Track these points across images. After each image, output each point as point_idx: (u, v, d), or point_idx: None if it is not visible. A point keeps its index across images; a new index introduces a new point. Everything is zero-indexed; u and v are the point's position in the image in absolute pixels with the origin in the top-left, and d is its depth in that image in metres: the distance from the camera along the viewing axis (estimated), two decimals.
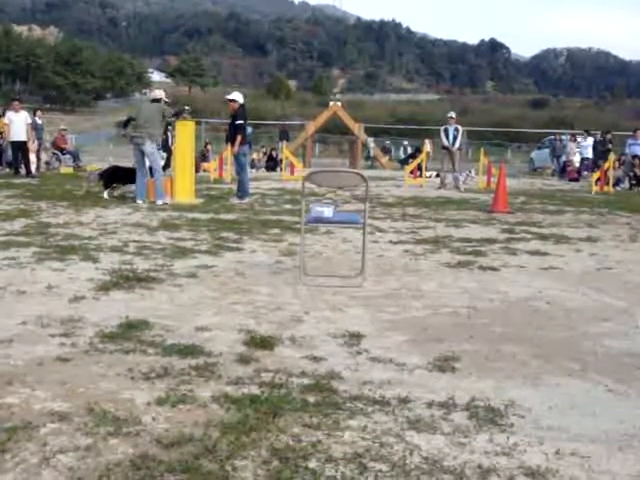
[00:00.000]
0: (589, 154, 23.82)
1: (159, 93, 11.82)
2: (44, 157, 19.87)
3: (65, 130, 23.08)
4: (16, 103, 17.63)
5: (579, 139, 25.30)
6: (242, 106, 12.55)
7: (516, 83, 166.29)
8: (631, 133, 21.28)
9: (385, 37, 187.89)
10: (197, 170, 15.99)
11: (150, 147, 11.23)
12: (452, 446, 2.52)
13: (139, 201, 11.15)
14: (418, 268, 6.22)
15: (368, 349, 3.68)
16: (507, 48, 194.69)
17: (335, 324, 4.18)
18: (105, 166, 11.94)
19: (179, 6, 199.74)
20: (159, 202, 11.12)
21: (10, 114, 17.07)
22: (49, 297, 4.67)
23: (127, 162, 16.87)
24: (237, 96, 12.67)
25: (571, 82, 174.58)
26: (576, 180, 22.92)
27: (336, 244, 7.53)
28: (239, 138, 12.19)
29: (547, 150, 28.29)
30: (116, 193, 11.55)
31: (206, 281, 5.36)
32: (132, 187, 11.54)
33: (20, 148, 17.00)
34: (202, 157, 22.63)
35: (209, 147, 25.14)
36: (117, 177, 11.97)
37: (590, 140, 24.32)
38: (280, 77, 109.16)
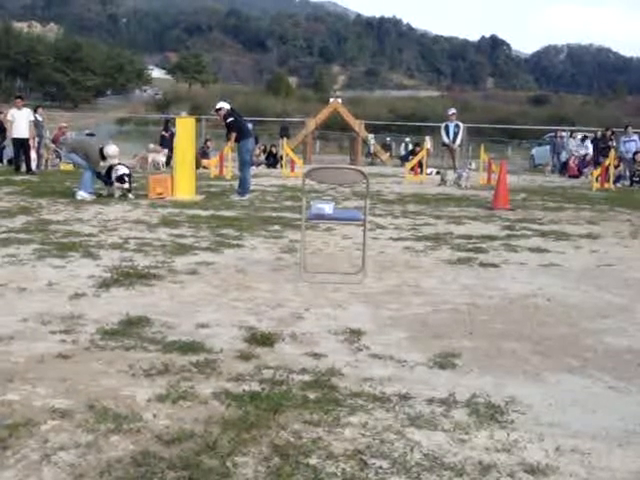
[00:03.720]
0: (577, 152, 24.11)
1: (111, 153, 11.51)
2: (45, 154, 19.86)
3: (66, 127, 23.05)
4: (19, 100, 17.78)
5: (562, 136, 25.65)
6: (230, 109, 12.82)
7: (517, 80, 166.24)
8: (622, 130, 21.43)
9: (385, 33, 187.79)
10: (197, 167, 15.99)
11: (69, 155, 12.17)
12: (452, 442, 2.52)
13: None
14: (419, 265, 6.22)
15: (368, 346, 3.69)
16: (508, 45, 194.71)
17: (336, 321, 4.18)
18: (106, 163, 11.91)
19: (179, 2, 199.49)
20: (79, 193, 11.14)
21: (13, 111, 17.21)
22: (50, 294, 4.67)
23: (126, 159, 16.89)
24: (222, 104, 13.00)
25: (572, 79, 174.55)
26: (576, 177, 22.91)
27: (336, 241, 7.53)
28: (233, 135, 12.53)
29: (548, 147, 28.26)
30: (117, 194, 11.52)
31: (206, 278, 5.36)
32: (125, 185, 11.55)
33: (22, 145, 17.09)
34: (202, 154, 22.64)
35: (209, 144, 25.12)
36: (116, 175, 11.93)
37: (579, 135, 24.53)
38: (280, 74, 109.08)
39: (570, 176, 23.40)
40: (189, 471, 2.21)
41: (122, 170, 11.55)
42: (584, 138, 25.14)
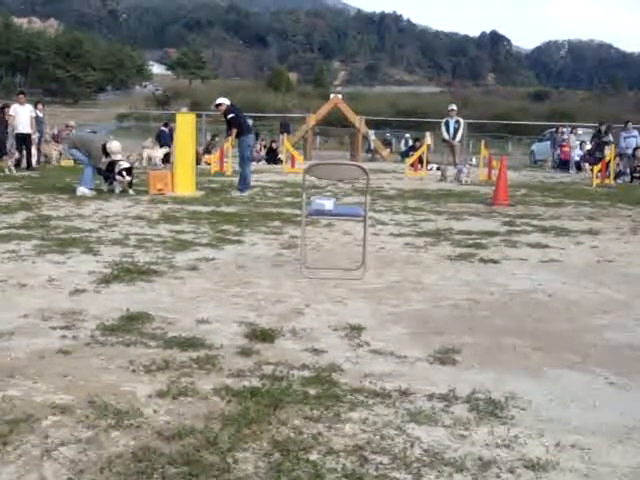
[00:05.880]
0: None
1: (114, 149, 11.48)
2: (45, 150, 19.86)
3: (73, 126, 22.99)
4: (21, 96, 17.85)
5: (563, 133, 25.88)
6: (230, 105, 12.82)
7: (517, 75, 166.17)
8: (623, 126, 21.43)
9: (386, 29, 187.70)
10: (198, 163, 15.97)
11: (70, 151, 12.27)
12: (453, 438, 2.52)
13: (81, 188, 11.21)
14: (419, 261, 6.22)
15: (369, 341, 3.69)
16: (508, 40, 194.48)
17: (336, 316, 4.18)
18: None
19: None
20: (79, 189, 11.12)
21: (16, 106, 17.30)
22: (50, 290, 4.67)
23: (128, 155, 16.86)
24: (222, 99, 12.99)
25: (572, 74, 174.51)
26: (567, 162, 23.21)
27: (337, 237, 7.53)
28: (234, 131, 12.54)
29: (548, 143, 28.23)
30: (117, 190, 11.53)
31: (207, 274, 5.36)
32: (127, 178, 11.57)
33: (24, 140, 17.13)
34: (206, 150, 22.70)
35: (217, 139, 25.00)
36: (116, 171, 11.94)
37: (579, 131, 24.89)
38: (281, 69, 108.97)
39: (562, 161, 23.69)
40: (189, 467, 2.21)
41: (124, 165, 11.57)
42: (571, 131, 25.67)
